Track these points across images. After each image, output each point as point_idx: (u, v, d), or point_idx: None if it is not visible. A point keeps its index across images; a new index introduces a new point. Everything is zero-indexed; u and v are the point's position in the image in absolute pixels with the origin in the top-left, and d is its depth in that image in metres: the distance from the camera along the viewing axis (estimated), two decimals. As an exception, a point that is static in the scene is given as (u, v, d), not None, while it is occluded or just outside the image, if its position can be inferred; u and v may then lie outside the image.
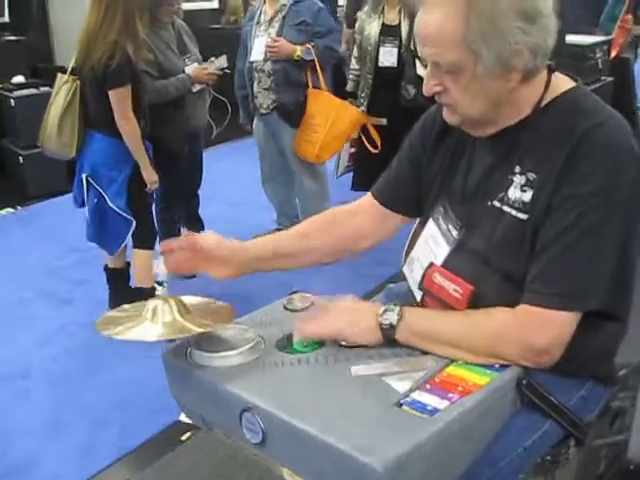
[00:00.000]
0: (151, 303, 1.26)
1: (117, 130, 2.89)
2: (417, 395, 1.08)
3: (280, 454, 1.10)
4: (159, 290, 1.28)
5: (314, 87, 3.62)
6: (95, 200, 3.00)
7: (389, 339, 1.20)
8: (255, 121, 3.84)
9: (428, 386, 1.10)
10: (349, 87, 4.04)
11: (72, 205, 3.16)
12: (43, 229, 4.46)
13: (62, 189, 4.51)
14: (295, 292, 1.49)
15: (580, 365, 1.23)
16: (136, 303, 1.32)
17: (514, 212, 1.17)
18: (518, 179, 1.17)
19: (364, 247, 1.48)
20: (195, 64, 3.39)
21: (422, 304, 1.32)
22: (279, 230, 3.04)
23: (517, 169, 1.17)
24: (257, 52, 3.62)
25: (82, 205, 3.10)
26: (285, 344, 1.29)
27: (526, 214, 1.15)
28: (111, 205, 2.96)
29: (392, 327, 1.19)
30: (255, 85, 3.66)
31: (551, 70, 1.19)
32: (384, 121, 3.79)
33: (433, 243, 1.33)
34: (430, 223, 1.34)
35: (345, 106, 3.70)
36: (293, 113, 3.62)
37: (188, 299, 1.34)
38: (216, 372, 1.21)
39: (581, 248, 1.10)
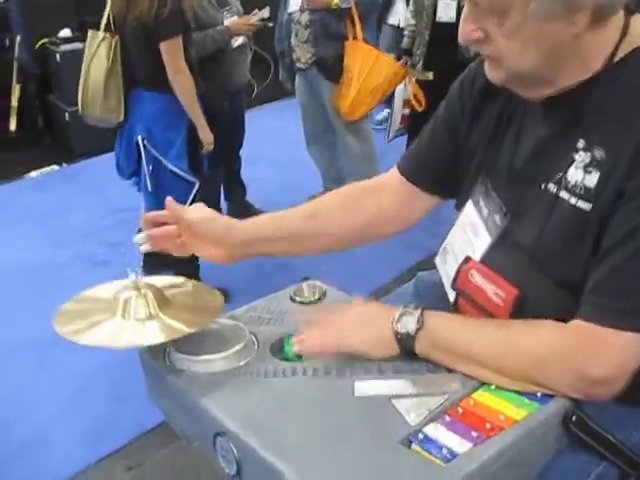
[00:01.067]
0: (123, 294, 1.05)
1: (169, 87, 2.64)
2: (432, 430, 0.84)
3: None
4: (131, 275, 1.06)
5: (354, 39, 3.32)
6: (151, 166, 2.77)
7: (407, 351, 0.96)
8: (296, 78, 3.58)
9: (448, 418, 0.86)
10: (404, 44, 3.73)
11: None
12: (86, 188, 4.36)
13: (107, 147, 4.37)
14: (306, 279, 1.26)
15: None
16: (107, 287, 1.11)
17: (574, 200, 0.90)
18: (581, 157, 0.90)
19: (387, 233, 1.23)
20: (235, 17, 3.15)
21: (455, 307, 1.08)
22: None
23: (580, 144, 0.90)
24: (294, 2, 3.34)
25: (130, 176, 2.89)
26: (281, 347, 1.07)
27: (589, 203, 0.88)
28: (172, 168, 2.74)
29: (410, 337, 0.95)
30: (293, 38, 3.40)
31: (630, 11, 0.90)
32: (430, 75, 3.49)
33: (471, 231, 1.07)
34: (468, 206, 1.09)
35: (382, 58, 3.39)
36: (332, 67, 3.33)
37: (165, 282, 1.13)
38: (193, 380, 1.00)
39: None
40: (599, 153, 0.87)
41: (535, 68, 0.89)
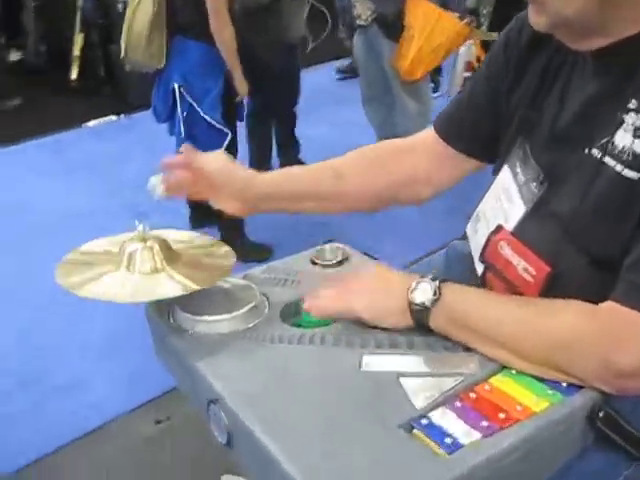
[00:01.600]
0: (129, 245, 1.00)
1: (210, 36, 2.60)
2: (439, 415, 0.76)
3: (246, 463, 0.83)
4: (139, 227, 1.00)
5: None
6: (185, 113, 2.75)
7: (421, 325, 0.88)
8: (355, 35, 3.44)
9: (458, 403, 0.78)
10: (470, 3, 3.54)
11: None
12: (141, 139, 4.34)
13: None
14: (330, 241, 1.19)
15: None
16: (112, 239, 1.06)
17: (619, 167, 0.78)
18: (632, 119, 0.78)
19: (419, 196, 1.13)
20: None
21: (483, 281, 0.98)
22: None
23: (632, 104, 0.78)
24: None
25: (165, 120, 2.87)
26: (293, 311, 1.00)
27: (638, 172, 0.77)
28: (205, 117, 2.72)
29: (425, 309, 0.86)
30: None
31: None
32: (494, 35, 3.27)
33: (506, 198, 0.97)
34: (505, 171, 0.98)
35: (445, 17, 3.19)
36: (393, 25, 3.16)
37: (176, 236, 1.07)
38: (193, 342, 0.94)
39: None
40: None
41: (583, 13, 0.77)
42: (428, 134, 1.08)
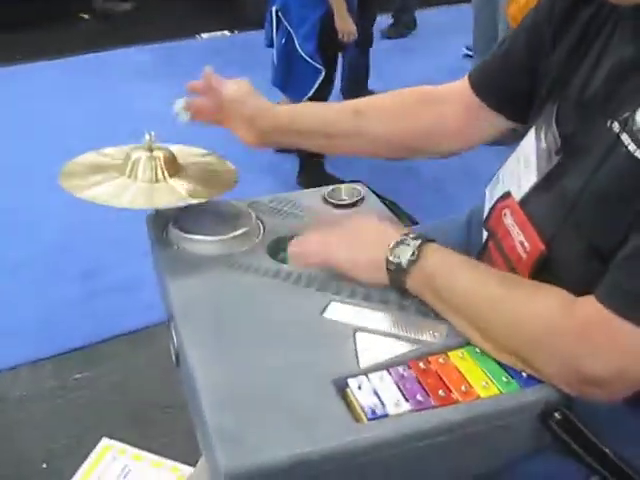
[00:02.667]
0: (134, 154, 0.99)
1: None
2: (377, 379, 0.71)
3: (184, 387, 0.82)
4: (146, 136, 0.99)
5: None
6: (283, 40, 2.71)
7: (396, 285, 0.82)
8: None
9: (401, 370, 0.73)
10: None
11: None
12: (250, 57, 4.35)
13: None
14: (354, 182, 1.13)
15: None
16: (118, 149, 1.06)
17: (632, 147, 0.68)
18: None
19: (444, 149, 1.05)
20: None
21: (484, 250, 0.91)
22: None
23: None
24: None
25: (270, 44, 2.83)
26: (281, 246, 0.97)
27: None
28: (299, 50, 2.65)
29: (401, 269, 0.80)
30: None
31: None
32: None
33: (524, 163, 0.88)
34: (530, 133, 0.89)
35: None
36: None
37: (186, 151, 1.05)
38: (173, 257, 0.94)
39: None
40: None
41: None
42: (463, 84, 0.99)
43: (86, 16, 5.00)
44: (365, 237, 0.86)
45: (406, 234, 0.82)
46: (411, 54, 4.29)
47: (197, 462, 1.29)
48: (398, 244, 0.81)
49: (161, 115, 1.13)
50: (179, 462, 1.71)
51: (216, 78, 1.05)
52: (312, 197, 1.10)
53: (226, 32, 4.73)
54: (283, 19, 2.67)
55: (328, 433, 0.64)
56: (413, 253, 0.79)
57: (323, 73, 2.67)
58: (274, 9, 2.67)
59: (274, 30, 2.75)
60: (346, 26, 2.66)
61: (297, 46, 2.65)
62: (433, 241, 0.81)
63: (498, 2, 3.10)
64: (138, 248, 2.47)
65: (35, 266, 2.43)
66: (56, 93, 3.75)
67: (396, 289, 0.83)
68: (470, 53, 3.88)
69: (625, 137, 0.69)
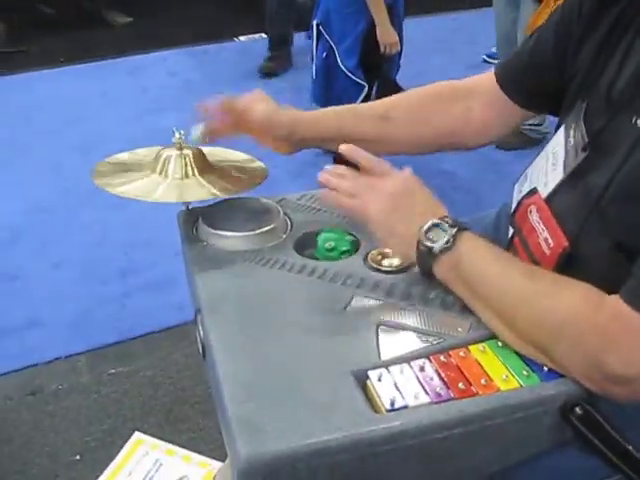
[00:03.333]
0: (165, 152, 1.02)
1: None
2: (397, 371, 0.72)
3: (209, 378, 0.84)
4: (176, 136, 1.01)
5: None
6: (324, 54, 2.67)
7: (425, 270, 0.82)
8: None
9: (422, 363, 0.74)
10: None
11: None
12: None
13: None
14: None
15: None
16: (149, 149, 1.08)
17: None
18: None
19: (471, 143, 1.06)
20: None
21: (510, 247, 0.91)
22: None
23: None
24: None
25: (312, 58, 2.79)
26: (308, 243, 0.98)
27: None
28: (340, 65, 2.63)
29: (432, 254, 0.80)
30: None
31: None
32: None
33: (552, 161, 0.88)
34: (560, 132, 0.89)
35: None
36: None
37: (214, 152, 1.07)
38: (202, 252, 0.96)
39: None
40: None
41: None
42: (489, 79, 1.00)
43: (130, 19, 5.10)
44: (405, 204, 0.84)
45: (443, 217, 0.80)
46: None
47: (226, 457, 1.31)
48: (434, 226, 0.80)
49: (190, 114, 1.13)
50: (208, 457, 1.73)
51: (233, 100, 1.04)
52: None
53: (263, 34, 4.76)
54: (324, 33, 2.63)
55: (346, 422, 0.65)
56: (448, 241, 0.78)
57: (366, 88, 2.63)
58: (315, 22, 2.65)
59: (314, 44, 2.71)
60: (389, 37, 2.60)
61: (339, 61, 2.62)
62: (468, 229, 0.81)
63: (519, 8, 3.05)
64: (170, 249, 2.53)
65: (72, 264, 2.48)
66: (92, 95, 3.83)
67: (420, 268, 0.83)
68: (489, 60, 3.87)
69: None
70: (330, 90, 2.72)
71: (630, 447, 0.73)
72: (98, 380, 2.00)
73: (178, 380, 2.01)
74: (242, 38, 4.75)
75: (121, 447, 1.78)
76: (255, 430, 0.64)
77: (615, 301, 0.68)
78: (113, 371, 2.03)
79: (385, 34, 2.58)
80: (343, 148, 0.87)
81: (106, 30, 4.90)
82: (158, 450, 1.80)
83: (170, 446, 1.80)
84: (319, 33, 2.66)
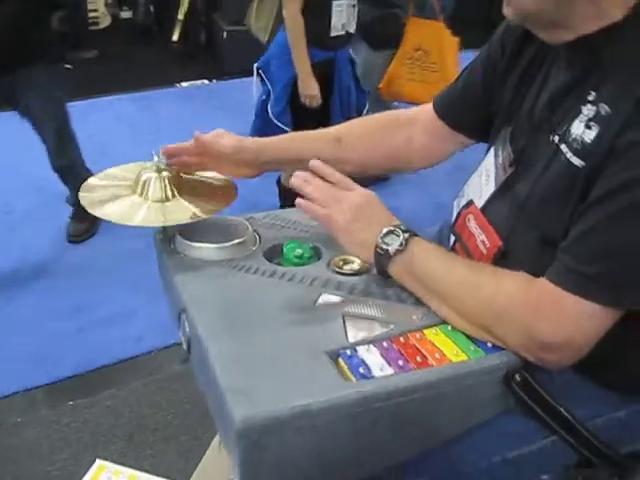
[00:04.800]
0: (144, 174, 1.12)
1: None
2: (364, 350, 0.84)
3: (197, 368, 0.94)
4: (155, 158, 1.12)
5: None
6: (263, 96, 2.80)
7: (381, 270, 0.95)
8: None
9: (386, 344, 0.86)
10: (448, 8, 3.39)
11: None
12: (228, 105, 4.53)
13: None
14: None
15: (623, 379, 0.91)
16: (130, 166, 1.18)
17: (569, 154, 0.83)
18: (587, 110, 0.82)
19: (414, 167, 1.20)
20: None
21: (452, 251, 1.05)
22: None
23: (591, 96, 0.83)
24: None
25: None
26: (277, 253, 1.10)
27: (583, 160, 0.81)
28: (269, 109, 2.74)
29: (388, 256, 0.92)
30: None
31: None
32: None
33: (485, 178, 1.03)
34: (490, 153, 1.04)
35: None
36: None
37: (188, 172, 1.18)
38: (180, 262, 1.06)
39: (637, 217, 0.76)
40: (604, 108, 0.80)
41: (543, 8, 0.83)
42: (428, 109, 1.15)
43: (69, 66, 5.17)
44: (367, 215, 0.96)
45: (397, 225, 0.93)
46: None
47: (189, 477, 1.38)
48: (389, 233, 0.93)
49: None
50: None
51: (207, 137, 1.14)
52: (300, 213, 1.23)
53: (205, 81, 4.92)
54: (263, 75, 2.76)
55: (324, 389, 0.76)
56: (401, 244, 0.91)
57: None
58: (255, 66, 2.78)
59: (255, 85, 2.84)
60: (307, 90, 2.66)
61: (269, 105, 2.74)
62: (418, 235, 0.94)
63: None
64: (128, 284, 2.60)
65: (29, 299, 2.52)
66: (35, 141, 3.87)
67: (377, 269, 0.95)
68: None
69: (563, 146, 0.85)
70: (265, 130, 2.80)
71: (562, 409, 0.86)
72: (57, 412, 2.04)
73: (138, 408, 2.06)
74: (184, 84, 4.89)
75: (83, 475, 1.80)
76: (246, 398, 0.74)
77: (543, 282, 0.82)
78: (72, 403, 2.07)
79: (304, 86, 2.65)
80: (313, 164, 1.00)
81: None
82: (121, 476, 1.82)
83: (133, 471, 1.84)
84: (260, 76, 2.78)
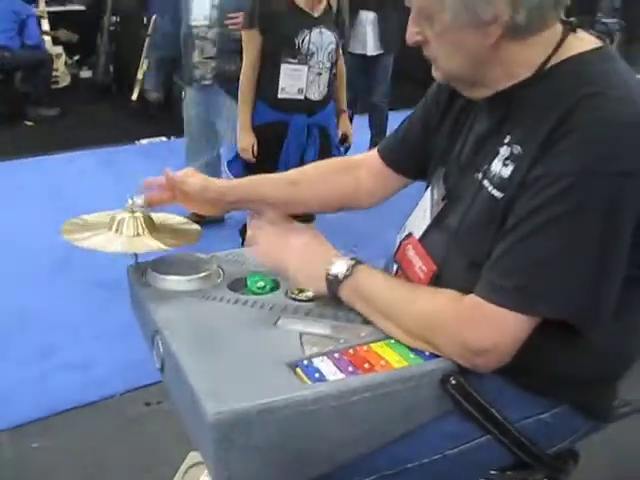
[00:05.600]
0: (119, 215, 1.24)
1: None
2: (319, 361, 0.97)
3: (170, 385, 1.05)
4: (129, 201, 1.25)
5: None
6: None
7: (332, 293, 1.07)
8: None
9: (337, 355, 0.98)
10: None
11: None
12: (185, 163, 4.67)
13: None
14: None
15: (546, 383, 1.04)
16: (105, 213, 1.30)
17: (490, 188, 0.99)
18: (504, 150, 0.99)
19: (363, 205, 1.35)
20: None
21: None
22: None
23: (507, 139, 0.99)
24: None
25: None
26: (240, 284, 1.22)
27: (502, 192, 0.97)
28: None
29: (337, 280, 1.05)
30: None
31: (571, 29, 0.99)
32: None
33: (422, 213, 1.18)
34: (427, 192, 1.20)
35: None
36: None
37: (158, 217, 1.31)
38: (152, 292, 1.17)
39: (545, 238, 0.90)
40: (517, 148, 0.96)
41: (462, 72, 1.00)
42: (374, 154, 1.31)
43: (30, 123, 5.29)
44: (313, 252, 1.10)
45: (343, 255, 1.08)
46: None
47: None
48: (335, 261, 1.06)
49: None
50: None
51: (177, 175, 1.29)
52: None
53: (163, 138, 5.07)
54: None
55: (285, 390, 0.88)
56: (348, 269, 1.05)
57: None
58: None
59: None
60: (241, 142, 2.80)
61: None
62: (362, 262, 1.08)
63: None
64: (89, 331, 2.67)
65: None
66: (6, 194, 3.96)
67: (331, 295, 1.08)
68: None
69: (486, 182, 1.00)
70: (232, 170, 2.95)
71: (493, 410, 1.00)
72: (22, 453, 2.07)
73: (102, 450, 2.12)
74: (143, 141, 5.03)
75: (48, 516, 1.86)
76: (216, 398, 0.86)
77: (471, 297, 0.96)
78: (36, 445, 2.11)
79: (238, 138, 2.82)
80: (264, 218, 1.18)
81: (11, 132, 5.06)
82: (86, 515, 1.89)
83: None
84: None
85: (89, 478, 1.99)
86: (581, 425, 1.11)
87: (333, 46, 2.79)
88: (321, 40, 2.75)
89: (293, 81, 2.76)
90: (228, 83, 3.18)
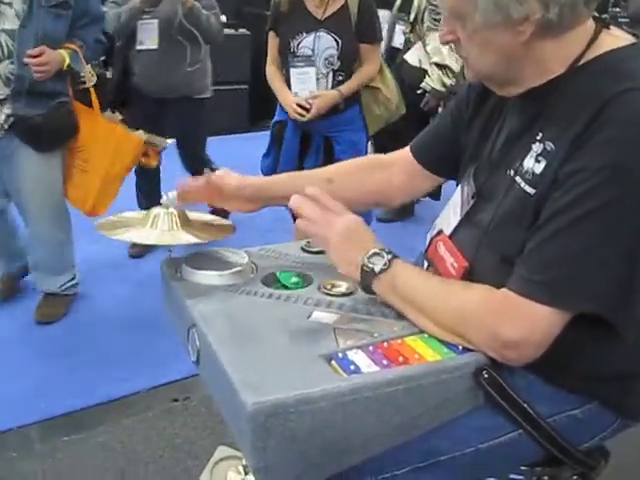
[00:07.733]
0: (154, 211, 1.27)
1: None
2: (353, 354, 0.98)
3: (206, 377, 1.07)
4: (164, 199, 1.29)
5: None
6: None
7: (366, 286, 1.09)
8: None
9: (371, 348, 1.00)
10: None
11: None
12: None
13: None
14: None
15: (577, 380, 1.05)
16: (141, 211, 1.34)
17: (523, 184, 1.00)
18: (536, 147, 1.00)
19: (395, 202, 1.37)
20: None
21: (427, 274, 1.20)
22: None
23: (539, 136, 1.00)
24: None
25: None
26: (273, 279, 1.24)
27: (534, 188, 0.98)
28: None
29: (373, 274, 1.06)
30: None
31: (604, 25, 0.99)
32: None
33: (453, 210, 1.20)
34: (458, 189, 1.21)
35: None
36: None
37: (192, 214, 1.33)
38: (187, 286, 1.20)
39: (578, 233, 0.91)
40: (549, 145, 0.97)
41: (494, 70, 1.01)
42: (407, 152, 1.32)
43: None
44: (356, 236, 1.11)
45: (382, 248, 1.08)
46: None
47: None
48: (375, 254, 1.07)
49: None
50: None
51: (214, 175, 1.32)
52: (292, 247, 1.38)
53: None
54: None
55: (321, 381, 0.90)
56: (385, 264, 1.06)
57: None
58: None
59: None
60: (288, 109, 2.80)
61: None
62: (399, 257, 1.09)
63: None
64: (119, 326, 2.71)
65: (22, 342, 2.62)
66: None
67: (363, 286, 1.09)
68: None
69: (518, 178, 1.01)
70: None
71: (525, 405, 1.01)
72: (52, 447, 2.11)
73: (129, 443, 2.15)
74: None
75: (78, 507, 1.89)
76: (255, 388, 0.87)
77: (503, 291, 0.97)
78: (66, 438, 2.15)
79: (285, 106, 2.84)
80: (310, 190, 1.16)
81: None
82: (114, 506, 1.92)
83: (126, 502, 1.92)
84: None
85: (118, 472, 2.02)
86: (611, 423, 1.11)
87: (332, 51, 2.72)
88: (317, 45, 2.71)
89: (303, 85, 2.78)
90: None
